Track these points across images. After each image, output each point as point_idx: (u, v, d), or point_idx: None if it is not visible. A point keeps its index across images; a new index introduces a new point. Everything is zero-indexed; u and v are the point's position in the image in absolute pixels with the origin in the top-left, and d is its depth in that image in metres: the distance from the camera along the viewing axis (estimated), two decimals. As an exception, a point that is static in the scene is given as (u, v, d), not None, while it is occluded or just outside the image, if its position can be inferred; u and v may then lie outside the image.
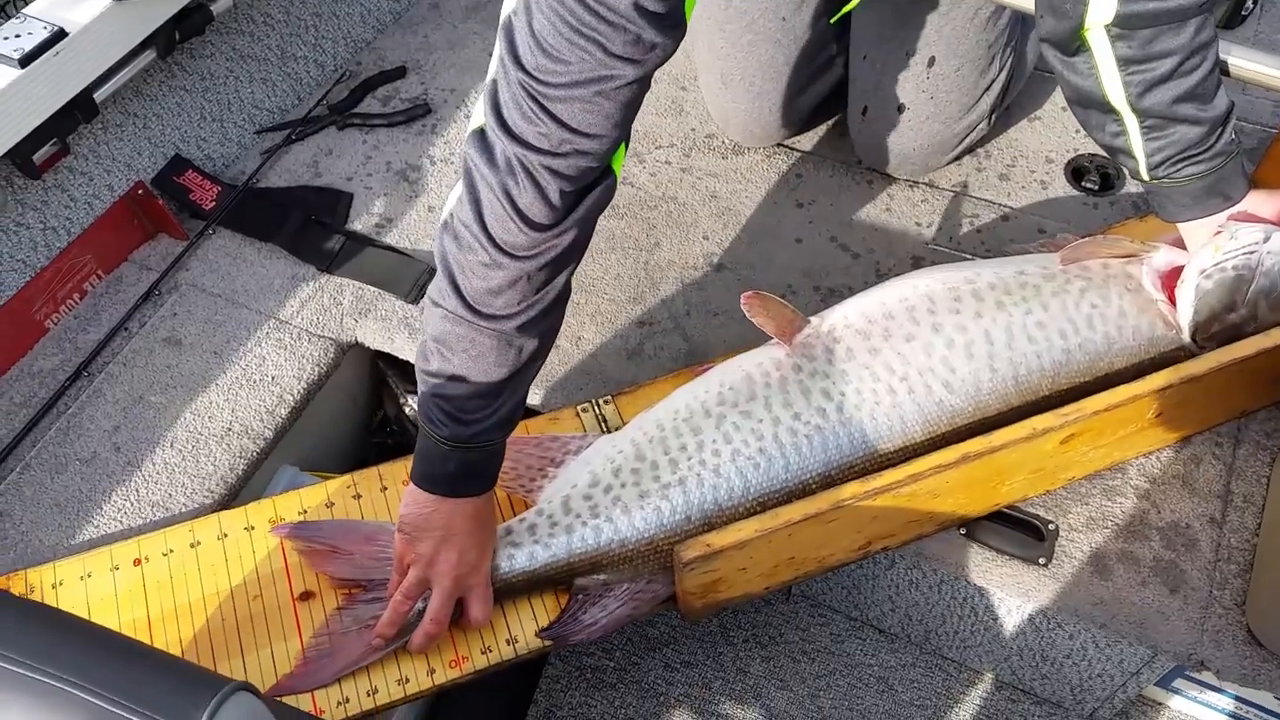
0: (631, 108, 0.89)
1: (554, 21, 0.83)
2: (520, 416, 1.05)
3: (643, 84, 0.88)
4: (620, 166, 0.97)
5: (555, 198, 0.90)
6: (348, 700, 1.07)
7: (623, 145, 0.94)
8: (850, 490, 1.04)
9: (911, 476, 1.04)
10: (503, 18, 0.88)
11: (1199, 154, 1.09)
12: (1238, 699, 1.22)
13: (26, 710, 0.62)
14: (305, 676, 1.07)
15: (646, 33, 0.83)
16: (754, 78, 1.50)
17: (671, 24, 0.85)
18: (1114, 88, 1.06)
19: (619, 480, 1.12)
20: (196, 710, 0.63)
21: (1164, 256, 1.20)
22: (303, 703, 1.06)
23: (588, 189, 0.93)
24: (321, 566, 1.14)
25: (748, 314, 1.15)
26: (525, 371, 1.00)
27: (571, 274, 0.99)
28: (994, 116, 1.52)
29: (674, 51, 0.88)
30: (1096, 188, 1.54)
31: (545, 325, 0.99)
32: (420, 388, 1.01)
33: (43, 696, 0.63)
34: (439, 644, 1.09)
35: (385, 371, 1.51)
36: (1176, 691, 1.29)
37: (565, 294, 1.00)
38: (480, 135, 0.91)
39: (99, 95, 1.37)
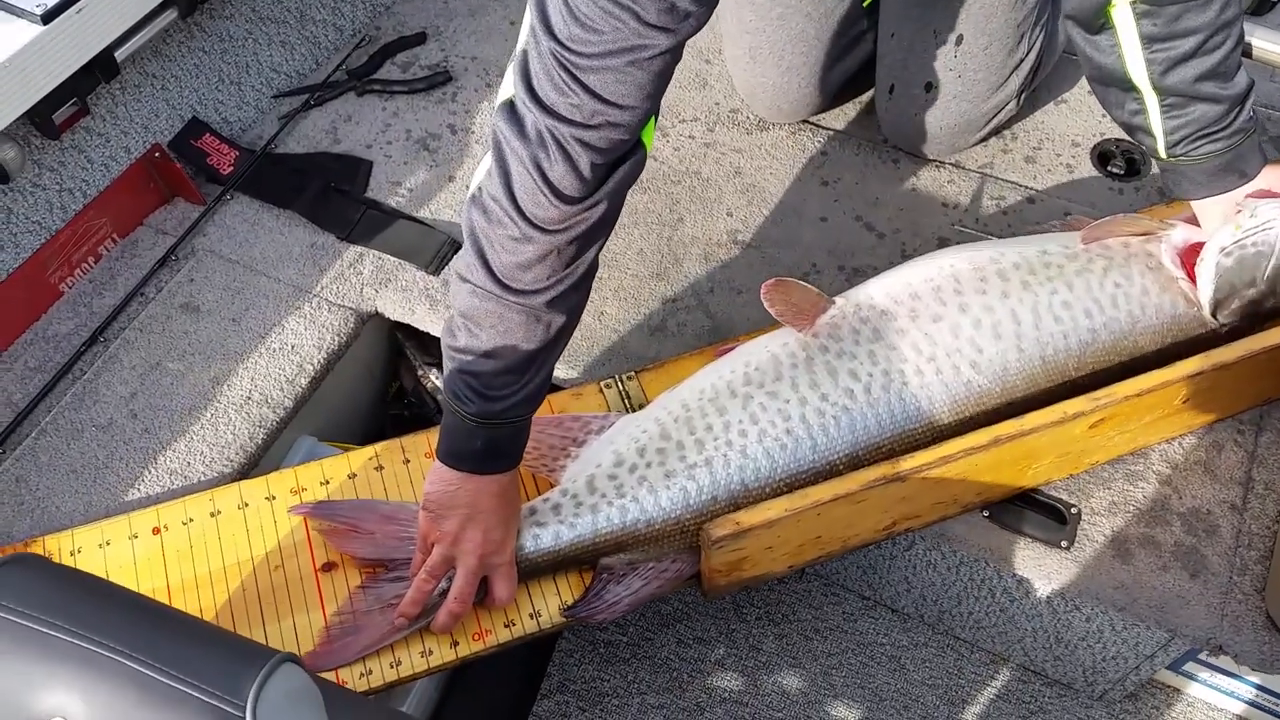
0: (663, 78, 0.88)
1: None
2: (546, 392, 1.04)
3: (675, 54, 0.87)
4: (651, 139, 0.96)
5: (586, 170, 0.89)
6: (371, 672, 1.07)
7: (653, 118, 0.93)
8: (880, 471, 1.04)
9: (942, 458, 1.05)
10: None
11: (1217, 132, 1.09)
12: (1259, 687, 1.23)
13: (77, 677, 0.62)
14: (328, 655, 1.06)
15: (681, 1, 0.82)
16: (783, 51, 1.49)
17: None
18: (1136, 65, 1.06)
19: (644, 460, 1.12)
20: (245, 681, 0.63)
21: (1181, 234, 1.20)
22: (324, 676, 1.06)
23: (619, 161, 0.92)
24: (342, 546, 1.13)
25: (766, 305, 1.15)
26: (553, 347, 0.99)
27: (600, 249, 0.98)
28: (1023, 97, 1.51)
29: (707, 20, 0.87)
30: (1122, 173, 1.53)
31: (574, 300, 0.98)
32: (446, 364, 1.00)
33: (92, 664, 0.63)
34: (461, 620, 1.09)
35: (403, 343, 1.50)
36: (1188, 675, 1.30)
37: (593, 269, 0.99)
38: (510, 107, 0.90)
39: (120, 54, 1.35)
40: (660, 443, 1.12)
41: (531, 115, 0.88)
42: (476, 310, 0.96)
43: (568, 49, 0.84)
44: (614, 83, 0.85)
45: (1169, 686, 1.34)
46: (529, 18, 0.87)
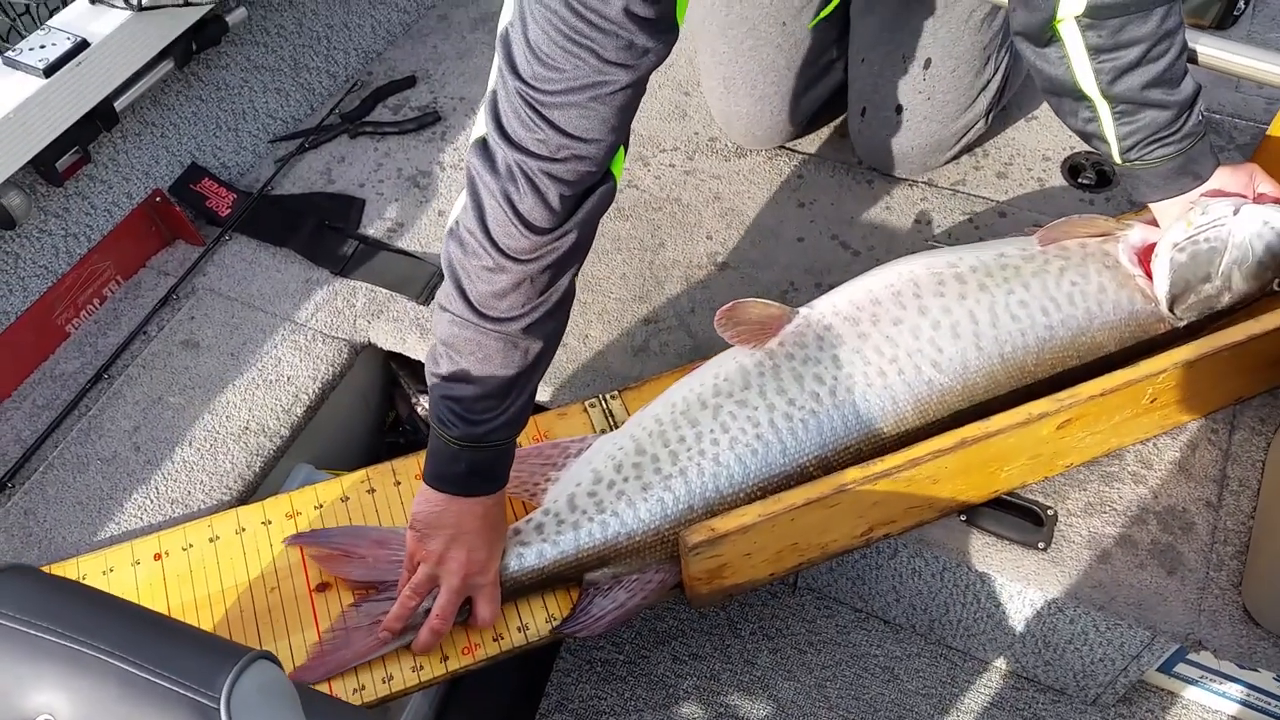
0: (627, 112, 0.92)
1: (548, 30, 0.86)
2: (529, 415, 1.08)
3: (637, 88, 0.91)
4: (620, 170, 1.00)
5: (555, 202, 0.93)
6: (363, 687, 1.10)
7: (621, 149, 0.97)
8: (850, 475, 1.07)
9: (910, 461, 1.07)
10: (500, 29, 0.91)
11: (1168, 136, 1.12)
12: (1248, 686, 1.24)
13: (64, 676, 0.66)
14: (316, 668, 1.09)
15: (639, 38, 0.86)
16: (756, 81, 1.54)
17: (663, 28, 0.88)
18: (1085, 76, 1.10)
19: (621, 475, 1.15)
20: (220, 677, 0.66)
21: (1138, 234, 1.23)
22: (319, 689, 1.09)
23: (587, 192, 0.96)
24: (336, 569, 1.16)
25: (720, 332, 1.18)
26: (532, 372, 1.03)
27: (574, 276, 1.01)
28: (991, 116, 1.55)
29: (666, 55, 0.91)
30: (1093, 184, 1.56)
31: (550, 326, 1.02)
32: (431, 390, 1.04)
33: (77, 663, 0.66)
34: (450, 634, 1.12)
35: (397, 372, 1.54)
36: (1179, 677, 1.31)
37: (569, 295, 1.02)
38: (482, 144, 0.94)
39: (119, 104, 1.41)
40: (636, 457, 1.15)
41: (501, 151, 0.92)
42: (456, 338, 0.99)
43: (532, 87, 0.88)
44: (578, 118, 0.89)
45: (1162, 689, 1.35)
46: (497, 59, 0.92)
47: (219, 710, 0.64)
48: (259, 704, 0.66)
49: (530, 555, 1.13)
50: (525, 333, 0.99)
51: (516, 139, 0.91)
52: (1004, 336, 1.15)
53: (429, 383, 1.04)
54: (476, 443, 1.02)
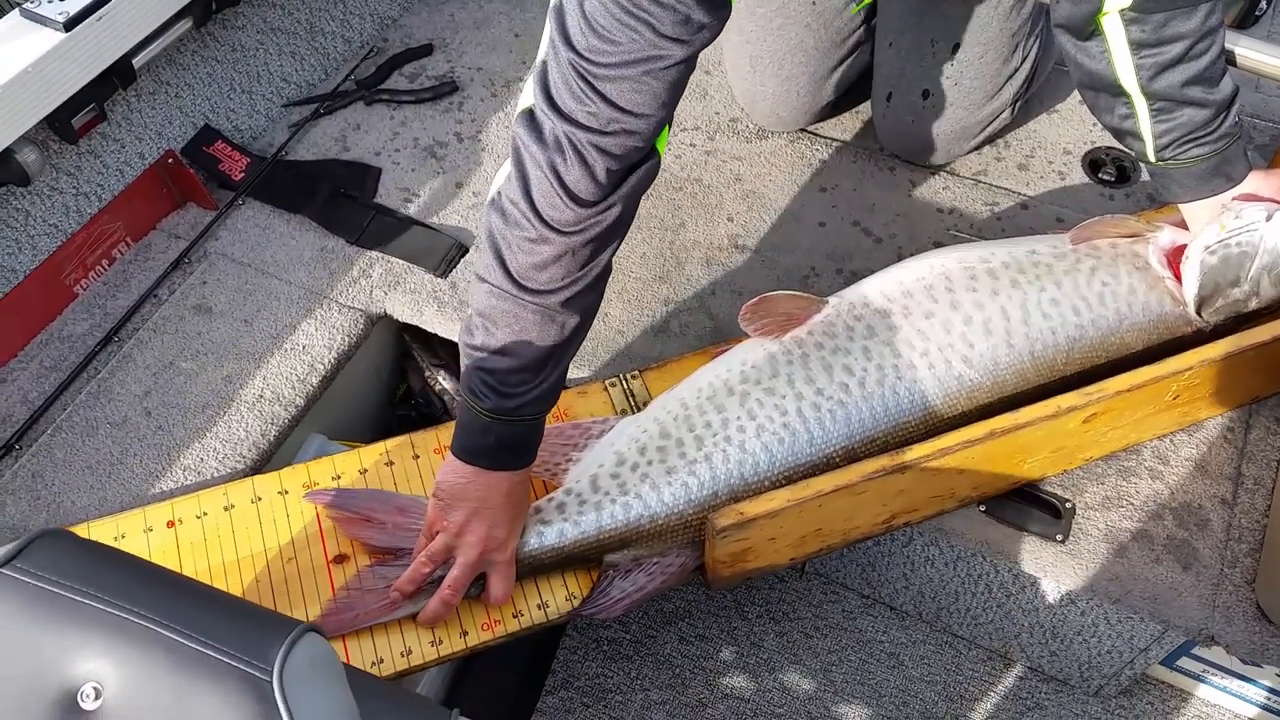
0: (678, 88, 0.92)
1: (605, 3, 0.85)
2: (560, 392, 1.07)
3: (689, 65, 0.91)
4: (664, 147, 0.99)
5: (602, 175, 0.92)
6: (382, 661, 1.09)
7: (666, 126, 0.97)
8: (880, 462, 1.07)
9: (940, 450, 1.07)
10: (553, 1, 0.90)
11: (1204, 136, 1.12)
12: (1249, 681, 1.25)
13: (110, 644, 0.65)
14: (325, 624, 1.08)
15: (695, 13, 0.86)
16: (783, 61, 1.53)
17: (719, 4, 0.88)
18: (1126, 71, 1.09)
19: (645, 458, 1.14)
20: (271, 649, 0.65)
21: (1168, 235, 1.24)
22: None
23: (633, 167, 0.95)
24: (355, 533, 1.15)
25: (745, 327, 1.18)
26: (567, 346, 1.02)
27: (614, 252, 1.01)
28: (1017, 105, 1.55)
29: (719, 32, 0.90)
30: (1113, 179, 1.57)
31: (587, 301, 1.01)
32: (464, 361, 1.03)
33: (124, 631, 0.65)
34: (469, 610, 1.11)
35: (411, 344, 1.53)
36: (1181, 671, 1.33)
37: (607, 272, 1.02)
38: (529, 115, 0.93)
39: (137, 61, 1.38)
40: (661, 441, 1.15)
41: (550, 122, 0.91)
42: (493, 309, 0.99)
43: (586, 59, 0.88)
44: (630, 92, 0.89)
45: (1162, 682, 1.37)
46: (548, 30, 0.91)
47: (272, 684, 0.63)
48: (310, 677, 0.66)
49: (551, 534, 1.12)
50: (564, 306, 0.98)
51: (566, 110, 0.90)
52: (1035, 334, 1.15)
53: (462, 354, 1.03)
54: (508, 416, 1.01)
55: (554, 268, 0.96)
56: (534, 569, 1.13)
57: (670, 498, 1.12)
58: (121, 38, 1.33)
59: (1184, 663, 1.30)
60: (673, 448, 1.14)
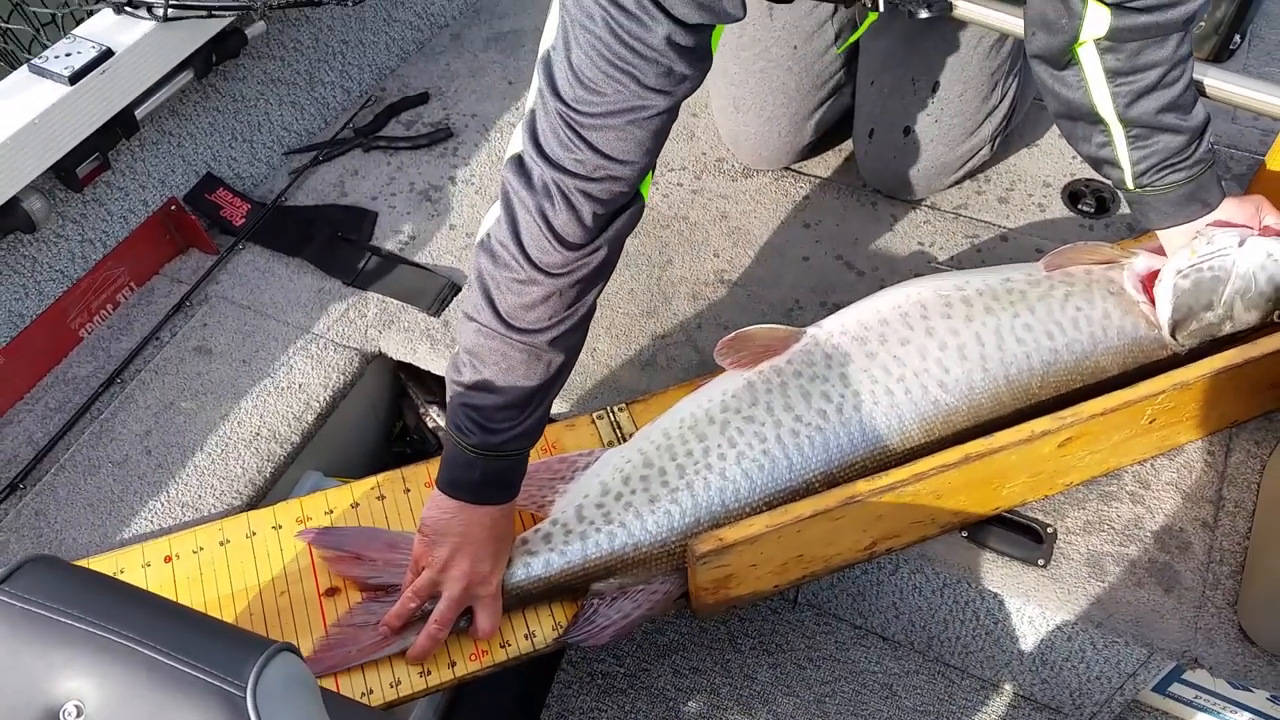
0: (661, 136, 0.96)
1: (591, 56, 0.89)
2: (544, 427, 1.10)
3: (672, 114, 0.95)
4: (648, 191, 1.03)
5: (589, 219, 0.96)
6: (371, 691, 1.11)
7: (650, 172, 1.01)
8: (857, 488, 1.09)
9: (915, 475, 1.09)
10: (541, 51, 0.95)
11: (1180, 162, 1.15)
12: (1241, 706, 1.25)
13: (92, 663, 0.67)
14: (319, 662, 1.10)
15: (678, 65, 0.90)
16: (765, 102, 1.57)
17: (700, 56, 0.92)
18: (1103, 99, 1.12)
19: (629, 488, 1.17)
20: (245, 666, 0.68)
21: (1143, 261, 1.26)
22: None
23: (618, 211, 0.99)
24: (346, 572, 1.18)
25: (721, 363, 1.21)
26: (552, 385, 1.05)
27: (599, 293, 1.05)
28: (996, 141, 1.58)
29: (700, 83, 0.95)
30: (1093, 210, 1.59)
31: (573, 341, 1.05)
32: (450, 397, 1.06)
33: (106, 650, 0.68)
34: (457, 641, 1.13)
35: (406, 382, 1.56)
36: (1173, 697, 1.32)
37: (591, 311, 1.05)
38: (518, 161, 0.97)
39: (139, 112, 1.44)
40: (644, 470, 1.17)
41: (538, 169, 0.95)
42: (481, 347, 1.02)
43: (573, 109, 0.92)
44: (615, 140, 0.93)
45: (1156, 709, 1.36)
46: (537, 80, 0.95)
47: (245, 699, 0.65)
48: (284, 694, 0.68)
49: (537, 564, 1.14)
50: (551, 345, 1.01)
51: (554, 158, 0.94)
52: (1009, 359, 1.17)
53: (449, 390, 1.06)
54: (493, 451, 1.04)
55: (542, 308, 1.00)
56: (521, 600, 1.15)
57: (654, 525, 1.14)
58: (125, 90, 1.38)
59: (1176, 689, 1.30)
60: (655, 476, 1.16)
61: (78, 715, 0.67)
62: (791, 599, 1.47)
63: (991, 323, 1.19)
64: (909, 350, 1.18)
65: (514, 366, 1.01)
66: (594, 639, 1.14)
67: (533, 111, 0.96)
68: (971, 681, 1.40)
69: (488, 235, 1.01)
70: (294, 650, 0.71)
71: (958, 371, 1.17)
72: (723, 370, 1.25)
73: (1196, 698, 1.30)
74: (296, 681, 0.70)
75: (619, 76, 0.89)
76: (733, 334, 1.20)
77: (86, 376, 1.44)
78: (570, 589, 1.16)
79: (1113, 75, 1.10)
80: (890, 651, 1.43)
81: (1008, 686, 1.38)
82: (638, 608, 1.16)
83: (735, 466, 1.15)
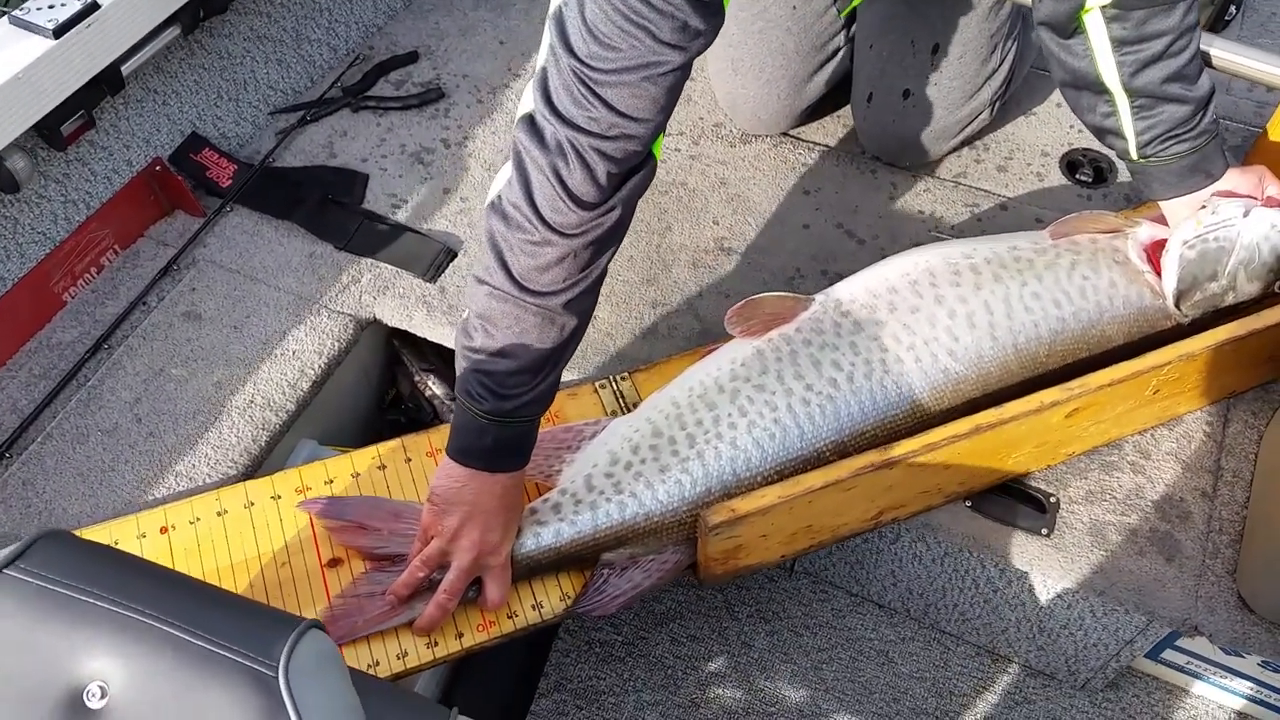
0: (674, 93, 0.94)
1: (606, 10, 0.87)
2: (555, 394, 1.08)
3: (685, 70, 0.93)
4: (660, 151, 1.01)
5: (603, 178, 0.94)
6: (378, 663, 1.09)
7: (662, 132, 0.98)
8: (868, 459, 1.09)
9: (926, 446, 1.09)
10: (553, 8, 0.92)
11: (1184, 132, 1.15)
12: (1232, 671, 1.28)
13: (116, 642, 0.65)
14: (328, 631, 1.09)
15: (693, 19, 0.88)
16: (764, 64, 1.55)
17: (713, 11, 0.90)
18: (1108, 68, 1.12)
19: (638, 457, 1.15)
20: (276, 645, 0.66)
21: (1147, 231, 1.27)
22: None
23: (632, 171, 0.97)
24: (349, 542, 1.16)
25: (731, 330, 1.19)
26: (565, 349, 1.04)
27: (612, 256, 1.02)
28: (995, 106, 1.57)
29: (714, 39, 0.92)
30: (1090, 180, 1.60)
31: (586, 304, 1.03)
32: (460, 363, 1.04)
33: (128, 629, 0.66)
34: (464, 612, 1.12)
35: (400, 349, 1.53)
36: (1165, 663, 1.35)
37: (604, 276, 1.03)
38: (530, 120, 0.95)
39: (125, 69, 1.38)
40: (653, 439, 1.16)
41: (551, 127, 0.93)
42: (494, 311, 1.00)
43: (587, 65, 0.89)
44: (629, 97, 0.90)
45: (1148, 675, 1.39)
46: (548, 37, 0.93)
47: (277, 679, 0.64)
48: (315, 672, 0.66)
49: (547, 534, 1.13)
50: (565, 308, 0.99)
51: (568, 115, 0.92)
52: (1018, 327, 1.17)
53: (459, 356, 1.04)
54: (505, 417, 1.02)
55: (556, 270, 0.98)
56: (531, 570, 1.14)
57: (665, 495, 1.14)
58: (111, 45, 1.33)
59: (1168, 655, 1.33)
60: (665, 446, 1.15)
61: (102, 696, 0.65)
62: (788, 567, 1.48)
63: (1000, 291, 1.19)
64: (918, 318, 1.17)
65: (527, 330, 0.99)
66: (603, 608, 1.14)
67: (544, 69, 0.94)
68: (967, 648, 1.42)
69: (499, 197, 0.98)
70: (321, 627, 0.70)
71: (967, 339, 1.16)
72: (727, 338, 1.24)
73: (1188, 663, 1.32)
74: (327, 659, 0.69)
75: (634, 31, 0.87)
76: (742, 301, 1.18)
77: (71, 342, 1.40)
78: (580, 559, 1.15)
79: (1118, 44, 1.09)
80: (886, 619, 1.44)
81: (1003, 653, 1.40)
82: (648, 577, 1.15)
83: (747, 435, 1.14)
